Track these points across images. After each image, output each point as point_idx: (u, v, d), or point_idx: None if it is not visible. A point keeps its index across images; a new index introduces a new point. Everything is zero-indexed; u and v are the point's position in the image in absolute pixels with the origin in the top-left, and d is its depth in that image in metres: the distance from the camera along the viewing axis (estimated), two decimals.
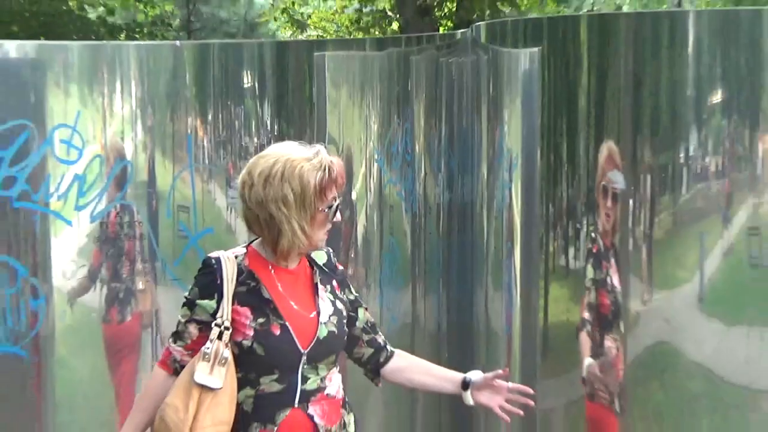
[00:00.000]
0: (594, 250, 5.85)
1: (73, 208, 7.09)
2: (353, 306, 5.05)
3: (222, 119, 6.87)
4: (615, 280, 5.79)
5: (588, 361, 5.92)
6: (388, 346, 5.14)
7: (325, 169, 4.80)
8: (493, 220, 6.29)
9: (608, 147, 5.76)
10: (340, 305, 4.93)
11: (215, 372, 4.77)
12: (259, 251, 4.93)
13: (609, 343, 5.81)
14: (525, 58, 6.03)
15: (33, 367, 7.09)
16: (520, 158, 6.06)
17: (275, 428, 4.78)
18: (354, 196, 7.12)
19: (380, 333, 5.20)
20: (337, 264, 5.09)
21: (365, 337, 5.09)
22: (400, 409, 7.13)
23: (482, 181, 6.37)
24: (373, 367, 5.15)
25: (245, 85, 7.30)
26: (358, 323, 5.06)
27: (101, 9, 28.91)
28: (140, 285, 7.13)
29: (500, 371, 5.09)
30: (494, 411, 5.06)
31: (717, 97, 5.66)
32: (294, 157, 4.77)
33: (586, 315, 5.88)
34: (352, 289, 5.13)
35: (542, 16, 22.58)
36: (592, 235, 5.83)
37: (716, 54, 5.80)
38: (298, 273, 4.94)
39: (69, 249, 7.17)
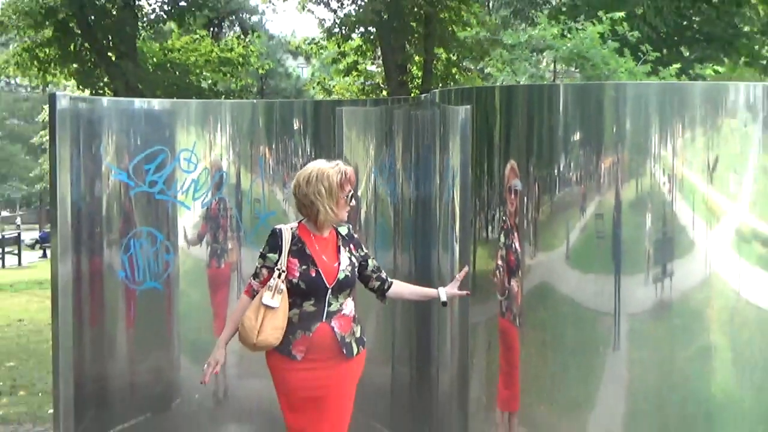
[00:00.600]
0: (504, 227, 5.93)
1: (191, 199, 7.41)
2: (365, 259, 5.61)
3: (280, 148, 7.24)
4: (516, 244, 5.87)
5: (499, 294, 6.01)
6: (389, 279, 5.81)
7: (342, 173, 5.42)
8: (443, 208, 6.41)
9: (511, 164, 5.89)
10: (354, 260, 5.49)
11: (275, 298, 5.23)
12: (306, 225, 5.47)
13: (513, 282, 5.85)
14: (461, 112, 6.18)
15: (166, 296, 7.37)
16: (459, 172, 6.21)
17: (311, 333, 5.29)
18: (360, 194, 7.27)
19: (383, 272, 5.80)
20: (354, 234, 5.67)
21: (374, 275, 5.65)
22: (386, 320, 7.21)
23: (436, 185, 6.51)
24: (381, 292, 5.69)
25: (294, 127, 7.57)
26: (369, 268, 5.64)
27: (210, 81, 29.14)
28: (230, 246, 7.40)
29: (465, 269, 5.90)
30: (460, 294, 5.87)
31: (576, 136, 5.74)
32: (323, 167, 5.39)
33: (500, 266, 5.95)
34: (364, 249, 5.67)
35: (471, 86, 22.50)
36: (503, 218, 5.91)
37: (577, 111, 5.84)
38: (328, 239, 5.47)
39: (188, 224, 7.46)
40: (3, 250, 32.91)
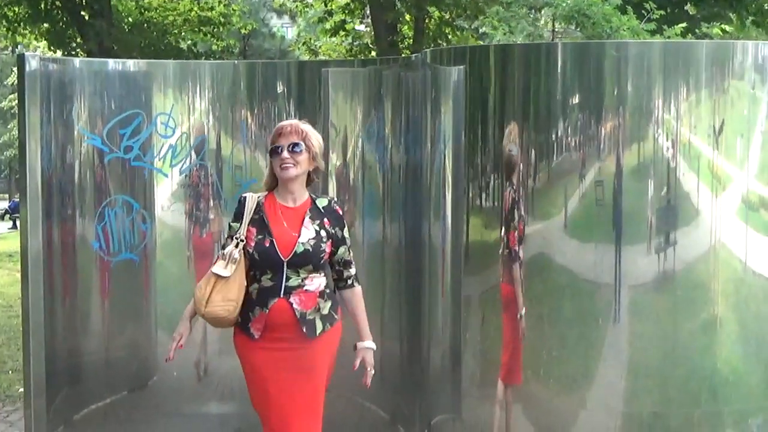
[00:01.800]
0: (508, 197, 5.95)
1: (169, 166, 7.40)
2: (336, 244, 5.32)
3: (263, 112, 7.21)
4: (519, 213, 5.91)
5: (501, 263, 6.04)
6: (350, 281, 5.47)
7: (277, 128, 5.33)
8: (434, 176, 6.41)
9: (510, 128, 5.91)
10: (323, 234, 5.24)
11: (228, 267, 5.10)
12: (274, 193, 5.31)
13: (520, 246, 5.88)
14: (454, 73, 6.20)
15: (142, 268, 7.37)
16: (451, 137, 6.23)
17: (267, 310, 5.13)
18: (347, 160, 7.32)
19: (350, 269, 5.46)
20: (337, 209, 5.42)
21: (336, 267, 5.40)
22: (375, 294, 7.16)
23: (427, 151, 6.50)
24: (336, 285, 5.43)
25: (278, 90, 7.54)
26: (335, 257, 5.37)
27: (189, 42, 29.16)
28: (211, 215, 7.36)
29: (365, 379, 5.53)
30: (364, 364, 5.50)
31: (575, 99, 5.77)
32: None
33: (505, 236, 5.95)
34: (345, 232, 5.40)
35: (465, 45, 22.55)
36: (510, 185, 5.93)
37: (576, 72, 5.82)
38: (297, 209, 5.27)
39: (165, 192, 7.43)
40: None
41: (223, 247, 5.28)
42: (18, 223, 28.03)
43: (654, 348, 5.82)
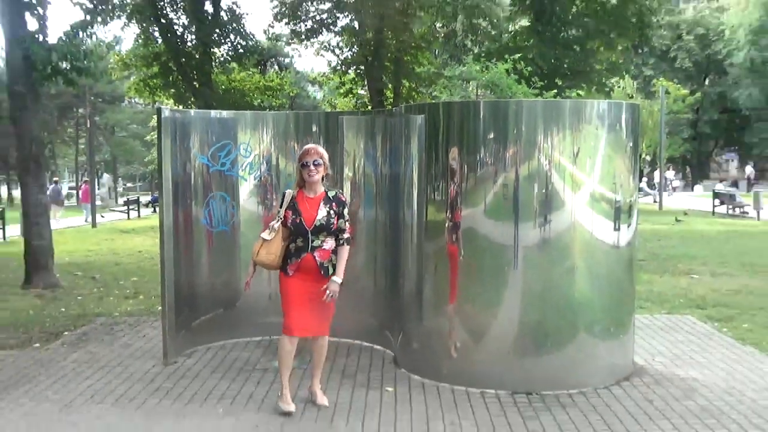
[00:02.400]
0: (451, 193, 5.91)
1: (248, 174, 7.32)
2: (339, 219, 5.26)
3: (304, 142, 6.91)
4: (457, 203, 5.88)
5: (448, 233, 6.06)
6: (342, 241, 5.29)
7: (302, 150, 5.29)
8: (407, 181, 6.33)
9: (452, 152, 5.86)
10: (332, 213, 5.22)
11: (270, 234, 5.19)
12: (303, 190, 5.27)
13: (458, 222, 5.86)
14: (418, 119, 6.12)
15: (232, 235, 7.30)
16: (416, 157, 6.15)
17: (299, 260, 5.17)
18: (355, 171, 7.23)
19: (345, 234, 5.29)
20: (341, 197, 5.34)
21: (336, 233, 5.26)
22: (368, 249, 7.16)
23: (402, 166, 6.42)
24: (335, 243, 5.27)
25: (313, 130, 7.50)
26: (338, 227, 5.27)
27: (258, 100, 29.28)
28: (273, 203, 7.27)
29: (323, 297, 5.20)
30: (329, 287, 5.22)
31: (491, 135, 5.69)
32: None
33: (449, 216, 5.91)
34: (345, 212, 5.31)
35: (424, 102, 22.46)
36: (452, 186, 5.88)
37: (491, 118, 5.79)
38: (316, 198, 5.25)
39: (246, 190, 7.34)
40: (128, 207, 32.95)
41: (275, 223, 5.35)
42: (157, 209, 27.94)
43: (538, 283, 5.83)
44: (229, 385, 6.07)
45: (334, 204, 5.29)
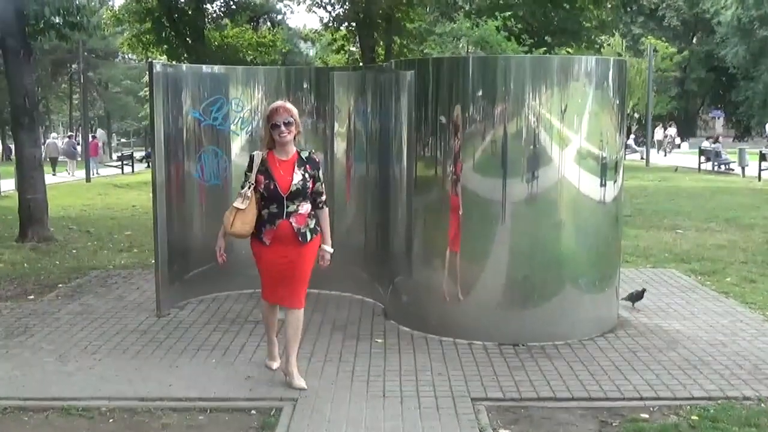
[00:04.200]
0: (440, 148, 5.87)
1: (239, 129, 7.27)
2: (315, 182, 4.91)
3: (294, 98, 6.93)
4: (446, 158, 5.85)
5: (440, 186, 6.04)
6: (321, 204, 4.99)
7: (270, 108, 4.91)
8: (397, 137, 6.31)
9: (441, 108, 5.82)
10: (307, 177, 4.85)
11: (244, 203, 4.82)
12: (274, 152, 4.89)
13: (447, 178, 5.83)
14: (408, 75, 6.08)
15: (223, 188, 7.25)
16: (406, 113, 6.13)
17: (275, 227, 4.85)
18: (346, 127, 7.17)
19: (322, 197, 4.98)
20: (314, 158, 5.02)
21: (313, 197, 4.92)
22: (358, 209, 7.15)
23: (392, 122, 6.40)
24: (313, 207, 4.94)
25: (304, 86, 7.43)
26: (314, 190, 4.91)
27: (251, 57, 29.17)
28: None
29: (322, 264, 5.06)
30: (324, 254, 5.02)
31: (480, 92, 5.65)
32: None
33: (439, 171, 5.93)
34: (320, 173, 4.99)
35: (414, 58, 22.41)
36: (441, 141, 5.82)
37: (480, 74, 5.73)
38: (289, 161, 4.87)
39: (238, 145, 7.29)
40: (122, 162, 32.85)
41: (241, 187, 4.92)
42: (150, 164, 27.94)
43: (525, 237, 5.85)
44: (221, 336, 6.09)
45: (308, 166, 4.91)
